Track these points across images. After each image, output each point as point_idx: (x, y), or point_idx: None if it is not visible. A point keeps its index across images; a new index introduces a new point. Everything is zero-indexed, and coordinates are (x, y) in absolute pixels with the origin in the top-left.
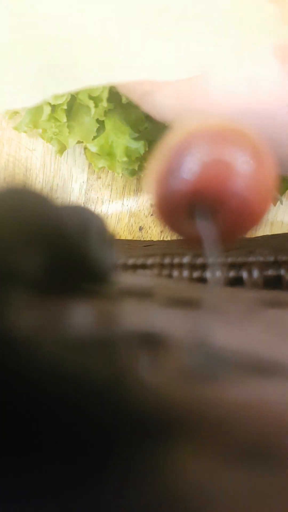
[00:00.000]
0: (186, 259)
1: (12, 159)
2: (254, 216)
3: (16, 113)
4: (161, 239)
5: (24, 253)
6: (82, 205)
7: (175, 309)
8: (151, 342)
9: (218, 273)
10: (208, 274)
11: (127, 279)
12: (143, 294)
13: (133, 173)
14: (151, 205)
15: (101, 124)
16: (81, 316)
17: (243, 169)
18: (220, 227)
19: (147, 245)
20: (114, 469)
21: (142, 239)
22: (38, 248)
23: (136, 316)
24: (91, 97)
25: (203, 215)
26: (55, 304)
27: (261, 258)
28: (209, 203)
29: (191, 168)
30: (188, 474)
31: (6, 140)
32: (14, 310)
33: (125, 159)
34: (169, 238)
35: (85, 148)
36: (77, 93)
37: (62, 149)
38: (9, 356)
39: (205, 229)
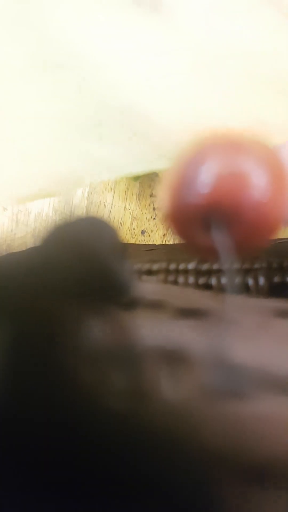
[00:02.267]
0: (191, 265)
1: None
2: (270, 227)
3: None
4: (164, 243)
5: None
6: (94, 215)
7: (189, 320)
8: (170, 357)
9: (225, 280)
10: (214, 281)
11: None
12: (155, 305)
13: (135, 176)
14: (154, 209)
15: None
16: (99, 330)
17: (259, 181)
18: (235, 238)
19: (150, 249)
20: (144, 491)
21: (144, 243)
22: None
23: (152, 330)
24: None
25: (219, 226)
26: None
27: (265, 265)
28: (225, 215)
29: (206, 180)
30: (226, 499)
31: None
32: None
33: None
34: (171, 242)
35: None
36: None
37: None
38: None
39: (221, 240)
